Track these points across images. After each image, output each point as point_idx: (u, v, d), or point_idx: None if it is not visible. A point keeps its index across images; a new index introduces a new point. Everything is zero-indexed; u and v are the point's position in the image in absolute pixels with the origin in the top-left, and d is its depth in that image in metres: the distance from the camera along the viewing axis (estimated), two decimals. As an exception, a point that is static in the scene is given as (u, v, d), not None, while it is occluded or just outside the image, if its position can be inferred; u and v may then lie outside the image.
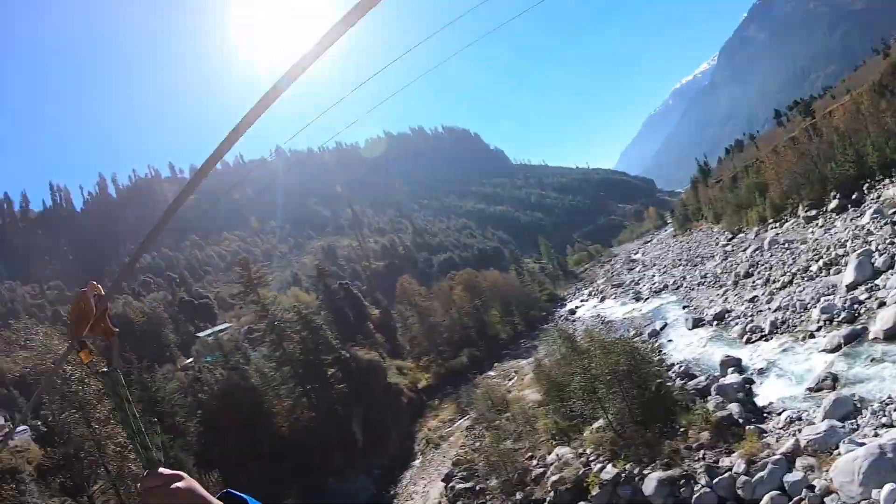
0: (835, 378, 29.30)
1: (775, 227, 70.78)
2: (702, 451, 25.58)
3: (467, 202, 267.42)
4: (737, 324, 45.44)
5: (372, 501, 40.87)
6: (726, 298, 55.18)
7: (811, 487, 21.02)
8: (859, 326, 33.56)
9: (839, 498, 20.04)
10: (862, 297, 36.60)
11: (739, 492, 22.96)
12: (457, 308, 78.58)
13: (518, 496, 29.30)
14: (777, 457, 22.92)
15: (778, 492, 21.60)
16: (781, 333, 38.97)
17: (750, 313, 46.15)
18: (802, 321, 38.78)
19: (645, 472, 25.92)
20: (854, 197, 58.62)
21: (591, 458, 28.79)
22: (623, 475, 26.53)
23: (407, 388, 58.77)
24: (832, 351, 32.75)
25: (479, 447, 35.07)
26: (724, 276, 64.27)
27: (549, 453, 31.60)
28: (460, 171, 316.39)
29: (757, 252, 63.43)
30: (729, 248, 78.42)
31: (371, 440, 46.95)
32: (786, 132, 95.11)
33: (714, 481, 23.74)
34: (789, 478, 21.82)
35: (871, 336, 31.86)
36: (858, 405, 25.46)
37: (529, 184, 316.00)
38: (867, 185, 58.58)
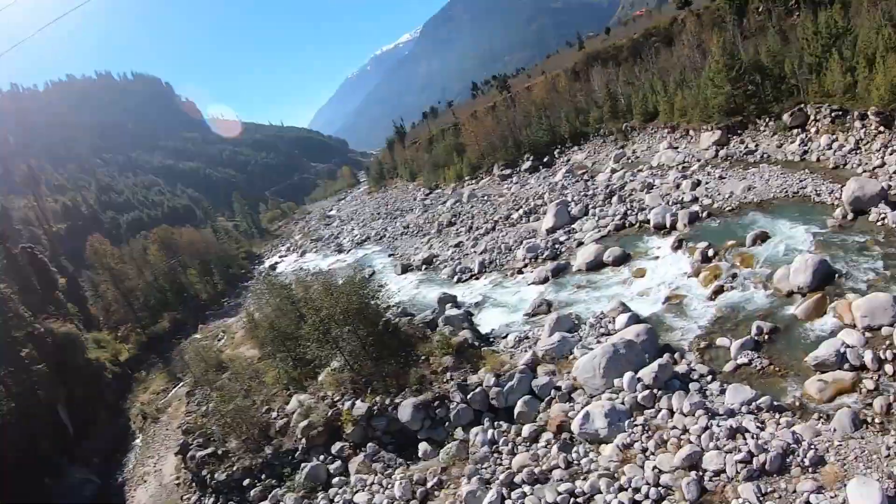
0: (549, 304, 33.61)
1: (472, 184, 78.51)
2: (448, 374, 26.17)
3: (155, 157, 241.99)
4: (446, 266, 48.51)
5: (99, 495, 34.22)
6: (431, 245, 58.46)
7: (558, 388, 23.52)
8: (563, 262, 39.44)
9: (585, 391, 22.98)
10: (562, 239, 43.28)
11: (493, 402, 24.17)
12: (152, 270, 72.63)
13: (267, 451, 27.13)
14: (521, 367, 24.98)
15: (529, 395, 23.50)
16: (490, 272, 43.40)
17: (457, 257, 49.99)
18: (509, 260, 43.80)
19: (396, 401, 25.34)
20: (546, 160, 69.30)
21: (336, 399, 27.40)
22: (375, 408, 25.64)
23: (109, 363, 52.64)
24: (542, 282, 37.68)
25: (206, 411, 32.91)
26: (426, 225, 68.04)
27: (287, 403, 29.77)
28: (149, 124, 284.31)
29: (457, 204, 69.30)
30: (428, 202, 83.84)
31: (80, 426, 41.10)
32: (479, 103, 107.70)
33: (468, 396, 24.44)
34: (536, 382, 24.00)
35: (574, 269, 37.70)
36: (576, 322, 29.55)
37: (222, 139, 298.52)
38: (558, 150, 69.87)
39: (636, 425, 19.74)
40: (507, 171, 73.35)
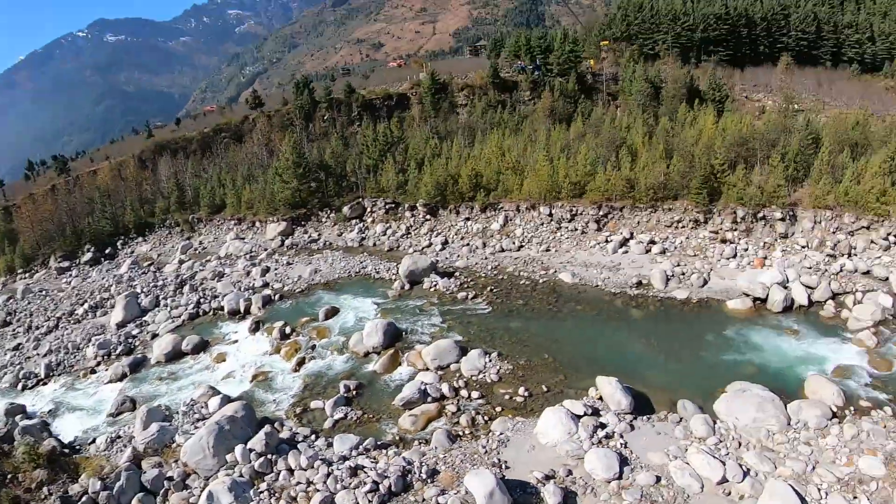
0: (133, 400, 29.35)
1: (25, 278, 62.69)
2: (45, 488, 21.15)
3: None
4: (6, 373, 37.99)
5: None
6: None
7: (170, 478, 20.49)
8: (139, 356, 34.96)
9: (199, 475, 20.59)
10: (135, 332, 38.48)
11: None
12: None
13: None
14: (125, 464, 21.37)
15: (142, 492, 20.02)
16: (59, 375, 35.87)
17: (18, 361, 39.93)
18: (79, 360, 36.95)
19: None
20: (108, 251, 61.11)
21: None
22: None
23: None
24: (119, 380, 32.75)
25: None
26: None
27: None
28: None
29: (11, 301, 53.75)
30: None
31: None
32: (36, 185, 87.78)
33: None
34: (146, 477, 20.58)
35: (153, 362, 33.81)
36: (168, 412, 26.54)
37: None
38: (122, 241, 62.60)
39: (261, 492, 18.47)
40: (66, 264, 61.11)
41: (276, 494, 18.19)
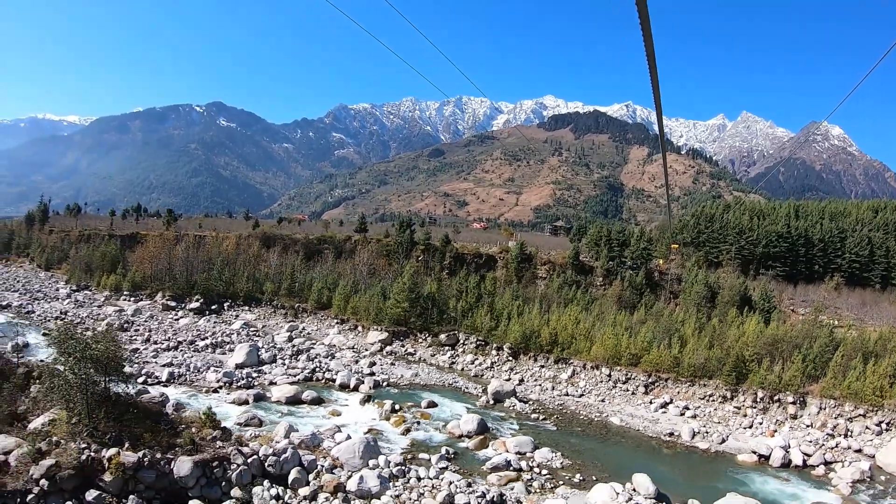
0: (259, 419, 39.13)
1: (129, 301, 79.59)
2: (217, 442, 29.68)
3: None
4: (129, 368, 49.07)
5: None
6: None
7: (322, 465, 30.62)
8: (260, 391, 45.59)
9: (345, 468, 30.79)
10: (254, 375, 49.81)
11: (270, 469, 29.35)
12: None
13: None
14: (291, 446, 31.01)
15: (300, 467, 29.70)
16: (180, 384, 46.43)
17: (137, 361, 49.03)
18: (200, 379, 47.87)
19: (168, 456, 27.54)
20: (214, 307, 76.04)
21: (84, 445, 26.96)
22: (146, 459, 26.92)
23: None
24: (242, 404, 42.71)
25: None
26: (88, 321, 66.28)
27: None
28: None
29: (122, 313, 70.60)
30: (80, 298, 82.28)
31: None
32: (146, 226, 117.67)
33: (248, 460, 28.98)
34: (305, 458, 30.52)
35: (273, 400, 44.48)
36: (297, 430, 35.88)
37: None
38: (229, 303, 77.86)
39: (397, 486, 28.94)
40: (173, 304, 76.87)
41: (410, 489, 28.51)
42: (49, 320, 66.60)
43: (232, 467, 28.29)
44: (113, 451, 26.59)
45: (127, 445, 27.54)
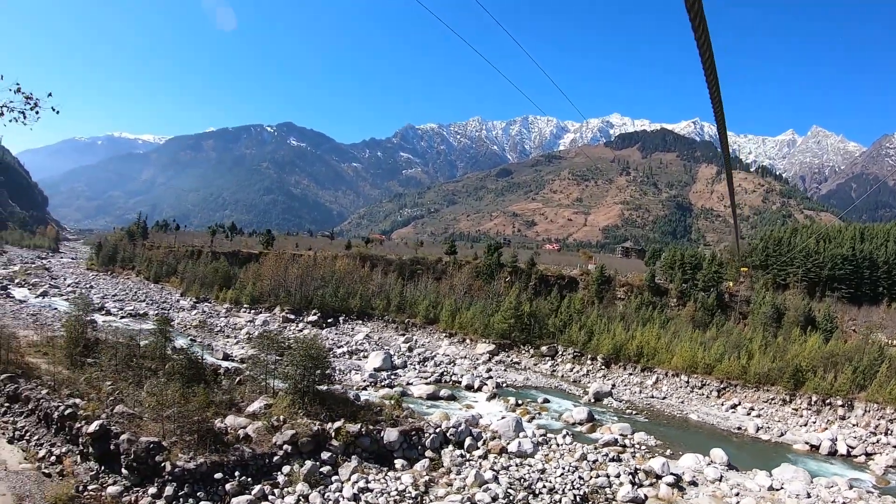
0: (410, 410, 53.04)
1: (251, 313, 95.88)
2: (409, 419, 43.36)
3: None
4: None
5: None
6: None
7: (485, 435, 43.60)
8: (401, 389, 57.59)
9: (501, 439, 43.22)
10: (392, 377, 62.61)
11: (451, 437, 42.29)
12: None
13: (245, 451, 32.39)
14: (462, 421, 43.92)
15: (471, 437, 42.71)
16: (329, 383, 58.91)
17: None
18: (346, 379, 60.13)
19: (378, 427, 39.89)
20: (329, 321, 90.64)
21: (320, 420, 38.82)
22: (364, 429, 38.48)
23: None
24: (390, 399, 54.78)
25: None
26: (227, 329, 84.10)
27: (224, 418, 35.57)
28: None
29: (250, 324, 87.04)
30: (205, 309, 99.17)
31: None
32: (245, 245, 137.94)
33: (436, 430, 42.23)
34: (474, 430, 43.62)
35: (415, 396, 56.54)
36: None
37: None
38: (343, 317, 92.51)
39: (543, 449, 42.35)
40: (292, 317, 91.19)
41: (553, 451, 41.75)
42: (189, 328, 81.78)
43: (425, 435, 40.78)
44: (339, 423, 36.63)
45: (343, 420, 39.16)
